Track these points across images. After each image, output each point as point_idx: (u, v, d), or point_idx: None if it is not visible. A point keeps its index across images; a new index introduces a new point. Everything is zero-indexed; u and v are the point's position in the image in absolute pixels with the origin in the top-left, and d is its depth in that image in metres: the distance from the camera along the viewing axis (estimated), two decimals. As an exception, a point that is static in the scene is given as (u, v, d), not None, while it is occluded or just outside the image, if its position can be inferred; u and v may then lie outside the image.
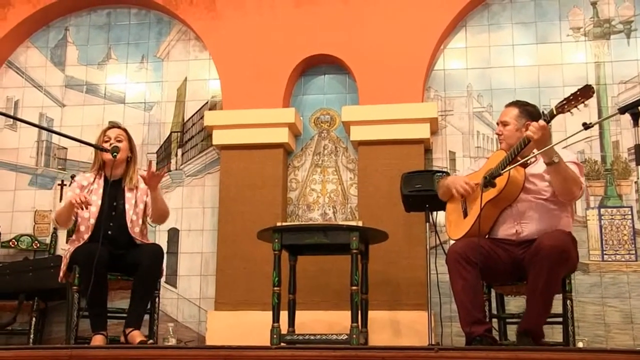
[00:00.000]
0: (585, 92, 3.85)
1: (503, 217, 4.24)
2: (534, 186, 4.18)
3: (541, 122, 3.94)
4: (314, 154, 6.30)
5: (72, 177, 5.70)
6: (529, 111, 4.34)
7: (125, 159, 4.80)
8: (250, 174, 6.12)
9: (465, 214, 4.35)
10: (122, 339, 4.50)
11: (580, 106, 3.87)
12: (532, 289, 3.96)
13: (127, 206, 4.73)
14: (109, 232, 4.64)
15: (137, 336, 4.41)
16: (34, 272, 5.85)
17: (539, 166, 4.16)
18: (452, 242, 4.46)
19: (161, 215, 4.85)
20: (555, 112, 3.94)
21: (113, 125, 4.94)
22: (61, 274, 4.72)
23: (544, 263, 3.87)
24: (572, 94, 3.88)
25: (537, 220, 4.15)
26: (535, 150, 4.03)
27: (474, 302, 4.05)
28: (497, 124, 4.45)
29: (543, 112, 4.16)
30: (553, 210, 4.17)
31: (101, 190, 4.73)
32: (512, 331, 4.62)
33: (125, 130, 4.88)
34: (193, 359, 3.21)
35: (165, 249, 6.02)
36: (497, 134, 4.44)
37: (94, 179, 4.79)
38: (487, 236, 4.28)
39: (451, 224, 4.49)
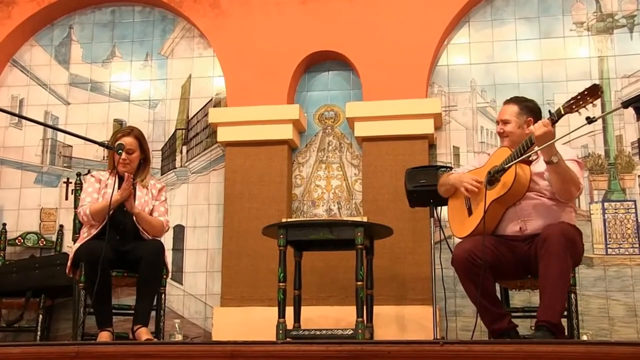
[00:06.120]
0: (593, 92, 3.80)
1: (507, 215, 4.22)
2: (536, 185, 4.16)
3: (545, 120, 3.91)
4: (318, 150, 6.32)
5: (78, 174, 5.72)
6: (528, 107, 4.32)
7: (138, 162, 4.85)
8: (255, 171, 6.14)
9: (470, 212, 4.33)
10: (131, 336, 4.52)
11: (589, 106, 3.82)
12: (544, 279, 3.90)
13: (136, 202, 4.74)
14: (120, 227, 4.68)
15: (143, 334, 4.42)
16: (41, 269, 5.87)
17: (540, 165, 4.13)
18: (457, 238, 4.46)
19: (151, 230, 4.81)
20: (563, 112, 3.90)
21: (124, 133, 4.85)
22: (68, 264, 4.74)
23: (553, 250, 3.85)
24: (579, 94, 3.83)
25: (540, 217, 4.13)
26: (537, 147, 3.99)
27: (491, 300, 4.09)
28: (497, 122, 4.43)
29: (550, 111, 4.11)
30: (555, 206, 4.15)
31: (116, 186, 4.76)
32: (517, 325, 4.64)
33: (137, 138, 4.85)
34: (199, 355, 3.21)
35: (171, 246, 6.14)
36: (498, 132, 4.41)
37: (109, 175, 4.87)
38: (491, 234, 4.26)
39: (455, 222, 4.47)
